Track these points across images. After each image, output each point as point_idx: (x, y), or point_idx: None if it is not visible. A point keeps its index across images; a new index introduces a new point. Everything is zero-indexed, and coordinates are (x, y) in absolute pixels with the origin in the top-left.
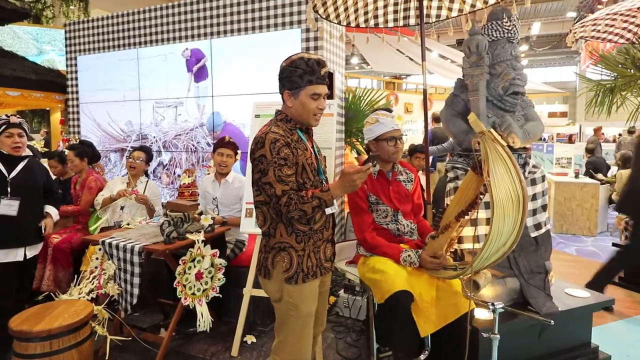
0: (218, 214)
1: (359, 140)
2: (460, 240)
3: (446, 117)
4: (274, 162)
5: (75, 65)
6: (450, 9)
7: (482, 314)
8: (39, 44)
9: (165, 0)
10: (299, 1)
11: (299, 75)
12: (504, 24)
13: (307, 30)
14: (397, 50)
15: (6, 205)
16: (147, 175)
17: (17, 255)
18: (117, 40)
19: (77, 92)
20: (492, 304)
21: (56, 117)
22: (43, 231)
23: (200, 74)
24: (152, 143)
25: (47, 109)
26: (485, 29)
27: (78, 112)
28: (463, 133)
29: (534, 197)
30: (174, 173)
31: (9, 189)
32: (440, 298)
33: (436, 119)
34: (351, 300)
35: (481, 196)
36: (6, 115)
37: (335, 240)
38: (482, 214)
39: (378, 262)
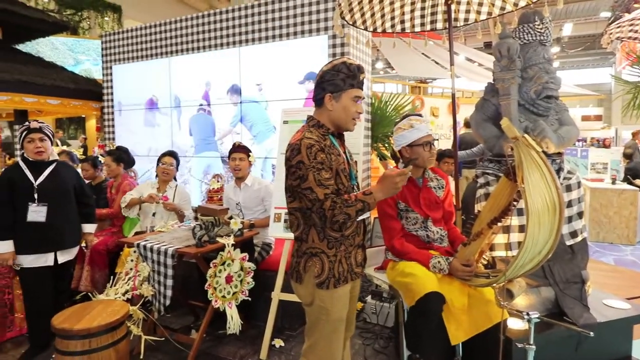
0: (243, 218)
1: (385, 145)
2: (492, 247)
3: (476, 122)
4: (312, 167)
5: (111, 74)
6: (478, 12)
7: (515, 324)
8: (74, 54)
9: (194, 10)
10: (326, 8)
11: (342, 78)
12: (536, 26)
13: (334, 37)
14: (423, 54)
15: (34, 212)
16: (175, 179)
17: (47, 260)
18: (150, 49)
19: (112, 100)
20: (528, 314)
21: (91, 124)
22: (85, 247)
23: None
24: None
25: (83, 116)
26: (516, 32)
27: (113, 119)
28: (494, 138)
29: (570, 204)
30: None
31: (36, 195)
32: (472, 306)
33: (466, 124)
34: (379, 306)
35: (515, 203)
36: (28, 121)
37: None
38: (514, 220)
39: (407, 265)
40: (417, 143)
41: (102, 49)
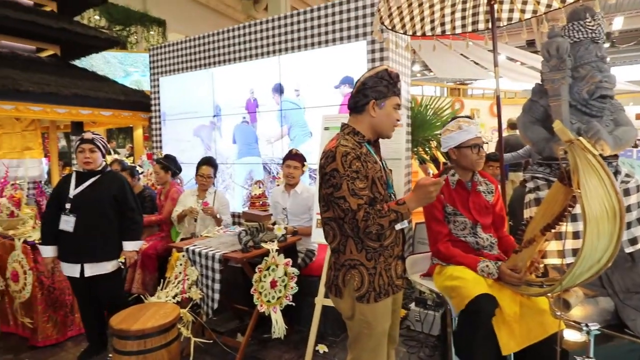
0: (288, 224)
1: (425, 149)
2: (544, 255)
3: (524, 124)
4: (346, 176)
5: (158, 85)
6: (523, 11)
7: (572, 336)
8: (124, 66)
9: (233, 21)
10: (364, 14)
11: (385, 85)
12: (587, 23)
13: (373, 42)
14: (462, 55)
15: (64, 222)
16: (214, 185)
17: (74, 270)
18: (194, 61)
19: (159, 111)
20: (586, 325)
21: (138, 133)
22: (122, 265)
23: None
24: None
25: (131, 126)
26: (565, 29)
27: (160, 129)
28: (543, 141)
29: (628, 209)
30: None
31: (68, 205)
32: (525, 315)
33: (511, 126)
34: (423, 314)
35: (570, 209)
36: (84, 132)
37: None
38: (568, 227)
39: (456, 269)
40: (465, 145)
41: (150, 62)
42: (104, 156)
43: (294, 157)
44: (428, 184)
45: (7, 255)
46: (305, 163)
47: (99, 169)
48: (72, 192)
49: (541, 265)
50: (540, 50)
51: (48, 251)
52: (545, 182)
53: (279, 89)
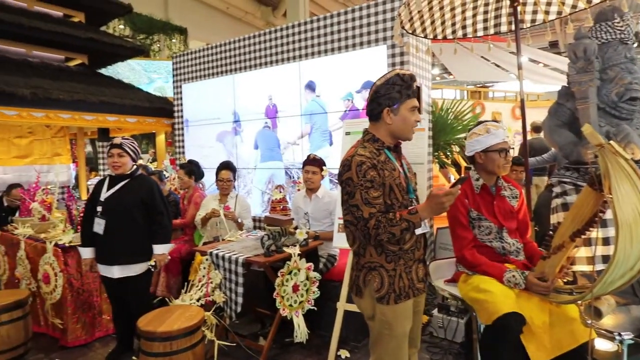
0: (309, 228)
1: (447, 153)
2: (572, 261)
3: (550, 128)
4: (360, 185)
5: (181, 92)
6: (547, 12)
7: (604, 345)
8: (147, 73)
9: (252, 27)
10: (384, 19)
11: (397, 91)
12: (616, 24)
13: (393, 46)
14: (482, 57)
15: (97, 224)
16: (235, 188)
17: (109, 272)
18: (215, 68)
19: (182, 117)
20: (619, 334)
21: (161, 138)
22: (153, 268)
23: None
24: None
25: (154, 132)
26: (592, 31)
27: (183, 135)
28: (570, 144)
29: None
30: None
31: (99, 208)
32: (554, 324)
33: (535, 129)
34: (446, 320)
35: (600, 214)
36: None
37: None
38: (598, 233)
39: (482, 280)
40: (492, 149)
41: (173, 69)
42: (134, 160)
43: (312, 163)
44: (441, 194)
45: (38, 258)
46: (324, 168)
47: (129, 172)
48: (103, 195)
49: (569, 271)
50: (567, 52)
51: (86, 252)
52: (573, 187)
53: (311, 86)
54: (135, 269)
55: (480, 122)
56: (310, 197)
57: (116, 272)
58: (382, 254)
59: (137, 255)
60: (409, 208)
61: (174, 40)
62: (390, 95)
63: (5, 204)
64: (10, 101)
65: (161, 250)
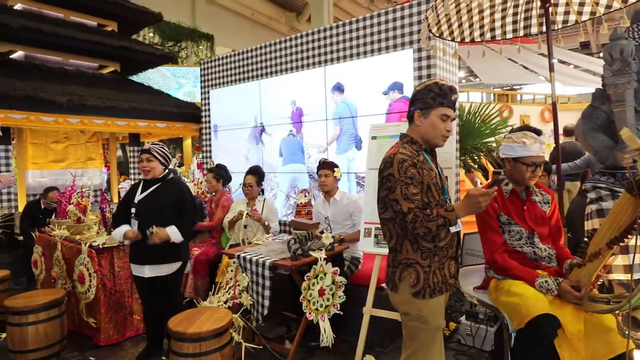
0: (331, 232)
1: (473, 158)
2: (609, 269)
3: (584, 132)
4: (401, 181)
5: (208, 98)
6: (579, 13)
7: None
8: (176, 78)
9: (277, 33)
10: (410, 22)
11: (432, 97)
12: None
13: (419, 50)
14: (510, 59)
15: (132, 225)
16: (263, 192)
17: (140, 271)
18: (242, 74)
19: (209, 122)
20: None
21: (187, 143)
22: (149, 232)
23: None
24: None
25: (181, 136)
26: (629, 31)
27: (210, 139)
28: (606, 149)
29: None
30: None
31: (133, 210)
32: (590, 333)
33: (566, 133)
34: (474, 328)
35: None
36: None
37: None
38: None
39: (514, 284)
40: (522, 160)
41: (201, 75)
42: (164, 165)
43: (324, 166)
44: (478, 194)
45: (74, 259)
46: (335, 169)
47: (160, 176)
48: (137, 197)
49: (604, 280)
50: (602, 54)
51: (123, 229)
52: (609, 193)
53: (340, 88)
54: (165, 269)
55: (523, 128)
56: (329, 202)
57: (147, 271)
58: (418, 251)
59: (167, 257)
60: (447, 206)
61: (201, 47)
62: (424, 99)
63: (43, 206)
64: (48, 108)
65: (170, 232)
